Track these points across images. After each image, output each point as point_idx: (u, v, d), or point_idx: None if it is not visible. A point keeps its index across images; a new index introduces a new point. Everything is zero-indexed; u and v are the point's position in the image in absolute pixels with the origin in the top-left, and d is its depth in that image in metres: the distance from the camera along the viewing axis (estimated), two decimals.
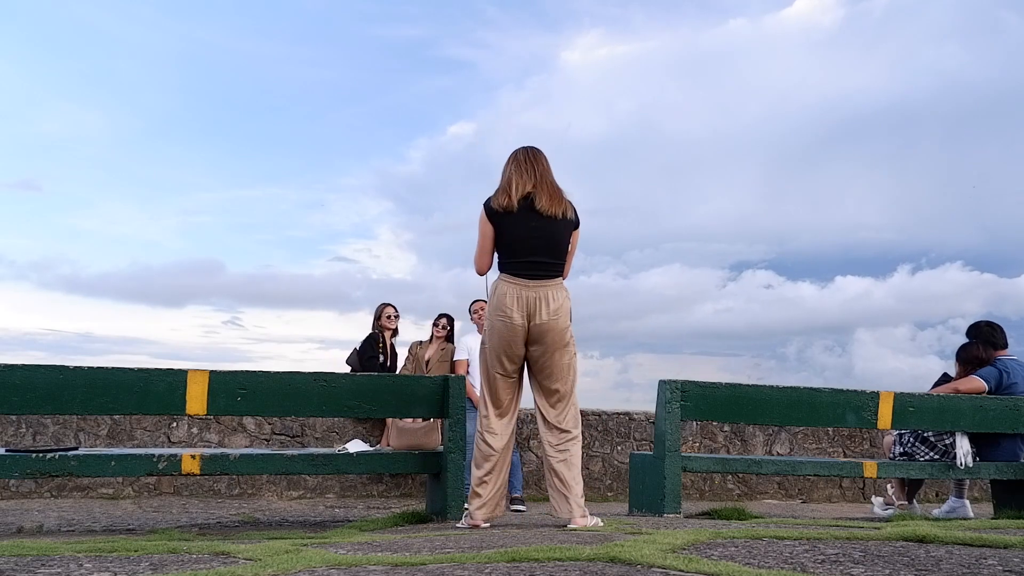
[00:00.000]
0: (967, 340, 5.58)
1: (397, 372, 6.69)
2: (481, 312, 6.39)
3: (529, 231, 3.55)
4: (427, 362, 6.53)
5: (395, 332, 6.85)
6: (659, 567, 1.95)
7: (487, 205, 3.62)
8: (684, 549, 2.28)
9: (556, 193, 3.61)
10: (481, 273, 3.76)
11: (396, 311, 6.82)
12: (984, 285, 15.30)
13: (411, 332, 6.94)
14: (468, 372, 6.21)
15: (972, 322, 5.69)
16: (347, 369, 6.72)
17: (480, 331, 6.45)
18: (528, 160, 3.64)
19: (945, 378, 5.55)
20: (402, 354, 6.80)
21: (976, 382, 5.27)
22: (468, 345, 6.39)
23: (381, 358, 6.61)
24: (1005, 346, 5.50)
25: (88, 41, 19.05)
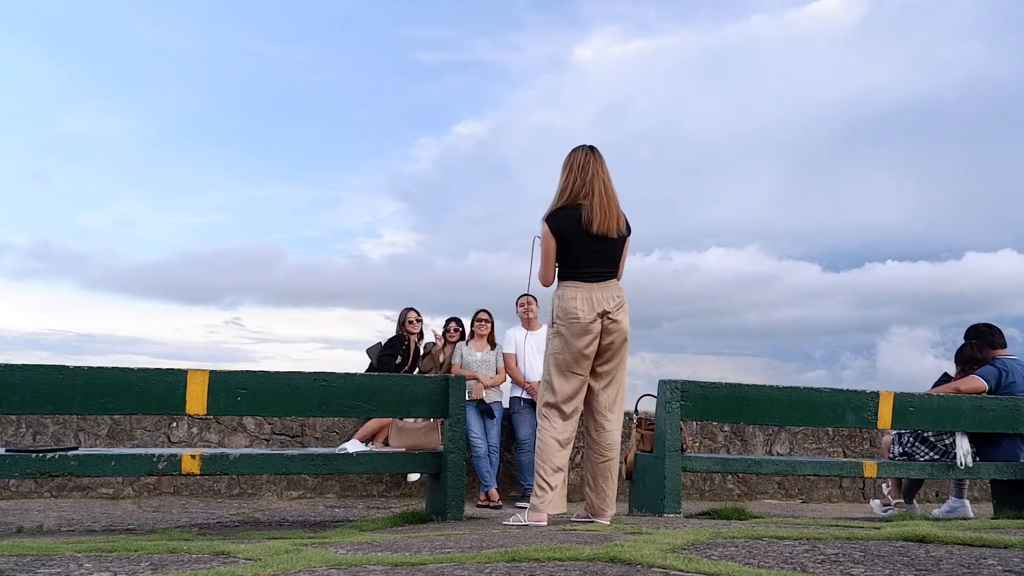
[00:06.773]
0: (964, 342, 5.58)
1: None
2: (527, 306, 6.57)
3: (591, 249, 3.64)
4: (442, 365, 6.62)
5: (420, 335, 6.94)
6: (659, 567, 1.95)
7: (549, 222, 3.69)
8: (684, 549, 2.28)
9: (615, 212, 3.66)
10: (547, 285, 3.84)
11: (419, 315, 6.90)
12: None
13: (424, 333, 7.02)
14: (516, 365, 6.53)
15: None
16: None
17: (524, 324, 6.62)
18: (587, 175, 3.66)
19: (945, 378, 5.54)
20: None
21: (976, 382, 5.27)
22: (514, 338, 6.59)
23: (399, 359, 6.64)
24: (1003, 346, 5.50)
25: (114, 43, 19.15)
